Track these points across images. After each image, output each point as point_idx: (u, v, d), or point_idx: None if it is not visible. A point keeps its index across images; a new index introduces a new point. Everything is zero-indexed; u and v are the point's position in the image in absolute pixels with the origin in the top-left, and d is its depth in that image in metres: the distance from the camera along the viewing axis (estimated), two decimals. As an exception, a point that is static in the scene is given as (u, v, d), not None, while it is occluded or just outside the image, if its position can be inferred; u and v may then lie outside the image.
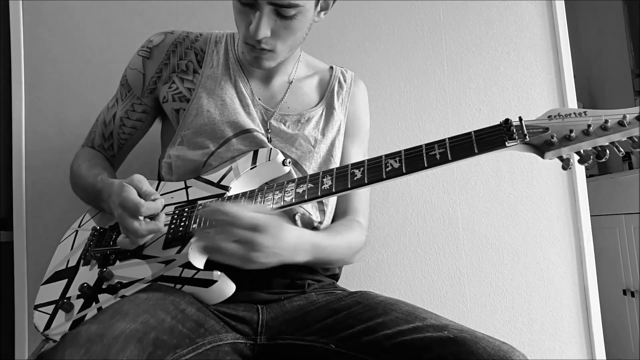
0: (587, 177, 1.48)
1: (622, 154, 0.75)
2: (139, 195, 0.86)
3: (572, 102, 1.40)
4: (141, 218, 0.85)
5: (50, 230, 1.32)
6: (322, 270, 1.03)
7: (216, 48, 1.07)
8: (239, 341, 0.85)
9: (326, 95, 1.08)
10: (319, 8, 0.97)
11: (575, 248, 1.37)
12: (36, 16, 1.40)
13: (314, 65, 1.13)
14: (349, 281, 1.33)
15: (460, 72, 1.41)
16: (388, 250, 1.37)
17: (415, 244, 1.37)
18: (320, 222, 1.00)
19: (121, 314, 0.70)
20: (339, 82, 1.11)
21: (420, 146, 0.81)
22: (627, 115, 0.75)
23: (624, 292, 2.25)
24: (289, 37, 0.94)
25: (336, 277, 1.08)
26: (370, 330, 0.80)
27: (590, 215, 1.38)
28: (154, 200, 0.86)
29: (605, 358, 1.34)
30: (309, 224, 0.98)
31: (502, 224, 1.38)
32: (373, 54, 1.42)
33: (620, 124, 0.75)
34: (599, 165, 2.93)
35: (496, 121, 1.45)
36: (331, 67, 1.14)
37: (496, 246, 1.37)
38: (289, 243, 0.83)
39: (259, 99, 1.04)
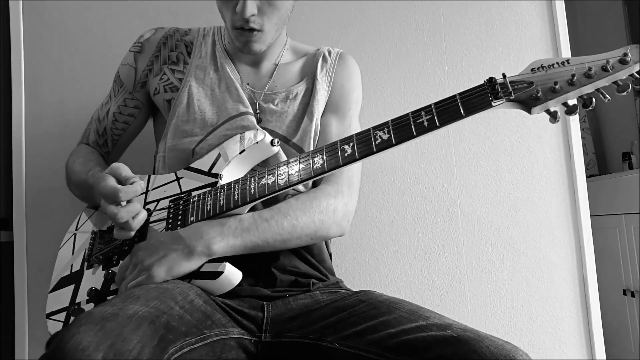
0: (587, 177, 1.48)
1: (608, 99, 0.75)
2: (119, 182, 0.87)
3: (572, 101, 1.39)
4: (123, 203, 0.85)
5: (50, 230, 1.32)
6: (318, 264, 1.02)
7: (204, 40, 1.10)
8: (244, 337, 0.85)
9: (310, 69, 1.09)
10: None
11: (576, 248, 1.37)
12: (36, 16, 1.40)
13: (301, 50, 1.14)
14: (349, 281, 1.33)
15: (460, 72, 1.41)
16: (388, 250, 1.37)
17: (415, 244, 1.37)
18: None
19: (133, 298, 0.71)
20: (324, 56, 1.11)
21: (407, 114, 0.82)
22: (610, 60, 0.74)
23: (624, 292, 2.25)
24: (274, 13, 0.96)
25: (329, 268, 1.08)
26: (373, 329, 0.80)
27: (590, 215, 1.37)
28: (132, 183, 0.86)
29: (605, 358, 1.34)
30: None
31: (502, 224, 1.38)
32: (373, 54, 1.42)
33: (604, 69, 0.74)
34: (599, 166, 2.93)
35: (496, 121, 1.44)
36: (319, 49, 1.14)
37: (496, 246, 1.37)
38: (161, 239, 0.86)
39: (247, 84, 1.05)
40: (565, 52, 1.40)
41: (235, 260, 0.87)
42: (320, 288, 0.97)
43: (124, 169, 0.89)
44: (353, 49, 1.41)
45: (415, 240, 1.37)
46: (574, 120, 1.39)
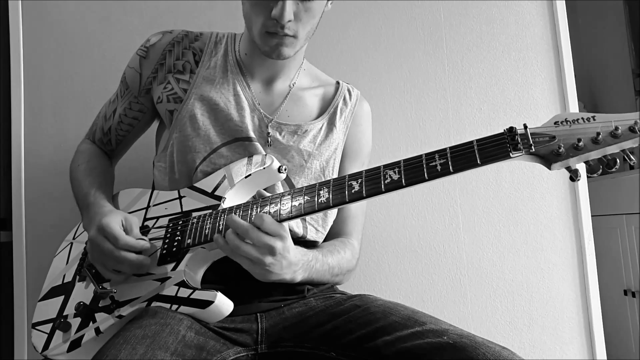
0: (587, 177, 1.47)
1: (633, 162, 0.71)
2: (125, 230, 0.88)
3: (573, 102, 1.39)
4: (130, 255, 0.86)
5: (49, 230, 1.32)
6: None
7: (215, 49, 1.04)
8: (241, 354, 0.84)
9: (329, 110, 1.05)
10: None
11: (576, 248, 1.37)
12: (36, 16, 1.40)
13: (318, 78, 1.10)
14: (350, 282, 1.32)
15: (460, 72, 1.41)
16: (388, 251, 1.36)
17: (416, 244, 1.37)
18: (303, 237, 0.98)
19: (120, 350, 0.69)
20: (344, 99, 1.07)
21: (420, 156, 0.79)
22: (639, 121, 0.70)
23: (625, 293, 2.24)
24: (309, 20, 0.92)
25: None
26: (369, 337, 0.80)
27: (591, 216, 1.37)
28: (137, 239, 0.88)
29: (606, 358, 1.34)
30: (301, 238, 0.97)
31: (503, 224, 1.37)
32: (373, 54, 1.41)
33: (632, 130, 0.70)
34: (600, 165, 2.92)
35: (497, 121, 1.44)
36: (338, 82, 1.10)
37: (497, 246, 1.37)
38: (297, 259, 0.84)
39: (259, 104, 1.01)
40: (566, 52, 1.40)
41: (233, 268, 0.86)
42: (315, 294, 0.97)
43: (135, 226, 0.90)
44: (353, 49, 1.41)
45: (415, 241, 1.37)
46: (575, 120, 1.38)
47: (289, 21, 0.89)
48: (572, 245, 1.37)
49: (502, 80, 1.41)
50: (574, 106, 1.39)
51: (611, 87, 2.84)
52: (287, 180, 0.98)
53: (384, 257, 1.36)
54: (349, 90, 1.09)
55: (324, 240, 1.03)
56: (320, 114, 1.05)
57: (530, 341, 1.34)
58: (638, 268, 2.18)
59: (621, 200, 2.28)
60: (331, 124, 1.04)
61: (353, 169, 1.07)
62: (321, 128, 1.03)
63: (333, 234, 1.04)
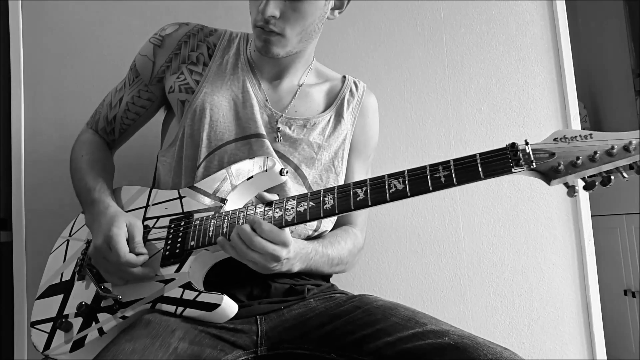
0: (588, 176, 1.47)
1: (627, 179, 0.75)
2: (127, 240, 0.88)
3: (573, 102, 1.39)
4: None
5: (49, 230, 1.31)
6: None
7: (228, 46, 1.06)
8: (241, 358, 0.84)
9: (335, 102, 1.07)
10: (331, 4, 0.98)
11: (576, 248, 1.37)
12: (36, 16, 1.40)
13: (325, 74, 1.12)
14: (350, 282, 1.33)
15: (460, 72, 1.41)
16: (388, 251, 1.36)
17: (416, 244, 1.37)
18: (317, 229, 0.98)
19: None
20: (351, 91, 1.09)
21: (424, 167, 0.80)
22: (633, 141, 0.74)
23: (625, 293, 2.24)
24: (297, 21, 0.93)
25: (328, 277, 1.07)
26: (370, 338, 0.80)
27: (591, 216, 1.37)
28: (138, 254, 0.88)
29: (606, 358, 1.34)
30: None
31: (503, 224, 1.37)
32: (373, 54, 1.41)
33: (626, 149, 0.74)
34: (600, 165, 2.92)
35: (497, 121, 1.44)
36: (344, 77, 1.12)
37: (497, 246, 1.37)
38: (295, 252, 0.85)
39: (267, 101, 1.02)
40: (566, 52, 1.40)
41: (231, 268, 0.85)
42: (315, 295, 0.97)
43: (138, 233, 0.89)
44: (353, 49, 1.41)
45: (415, 241, 1.37)
46: (575, 120, 1.38)
47: (272, 17, 0.90)
48: (572, 245, 1.37)
49: (501, 80, 1.41)
50: (574, 106, 1.39)
51: (611, 87, 2.84)
52: (299, 172, 0.99)
53: (384, 257, 1.36)
54: (355, 83, 1.11)
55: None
56: (328, 107, 1.06)
57: (530, 341, 1.34)
58: (638, 268, 2.18)
59: (621, 200, 2.28)
60: (339, 116, 1.06)
61: (358, 162, 1.08)
62: (329, 120, 1.04)
63: (337, 223, 1.05)
